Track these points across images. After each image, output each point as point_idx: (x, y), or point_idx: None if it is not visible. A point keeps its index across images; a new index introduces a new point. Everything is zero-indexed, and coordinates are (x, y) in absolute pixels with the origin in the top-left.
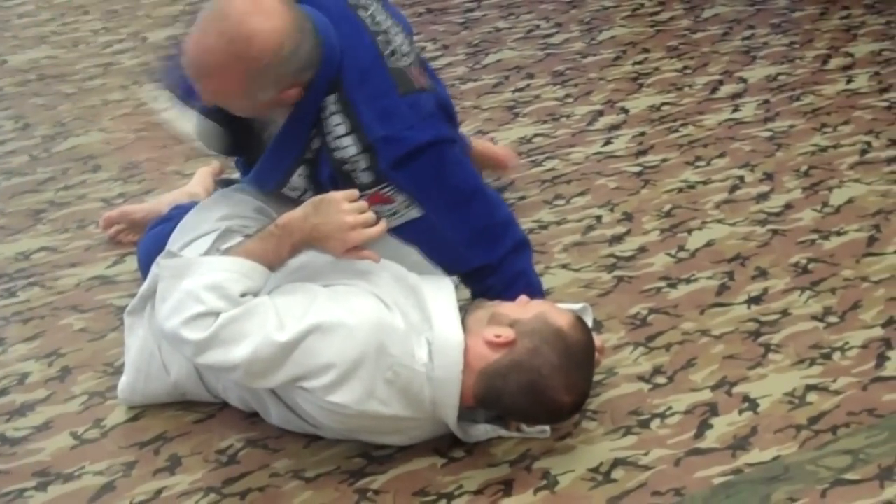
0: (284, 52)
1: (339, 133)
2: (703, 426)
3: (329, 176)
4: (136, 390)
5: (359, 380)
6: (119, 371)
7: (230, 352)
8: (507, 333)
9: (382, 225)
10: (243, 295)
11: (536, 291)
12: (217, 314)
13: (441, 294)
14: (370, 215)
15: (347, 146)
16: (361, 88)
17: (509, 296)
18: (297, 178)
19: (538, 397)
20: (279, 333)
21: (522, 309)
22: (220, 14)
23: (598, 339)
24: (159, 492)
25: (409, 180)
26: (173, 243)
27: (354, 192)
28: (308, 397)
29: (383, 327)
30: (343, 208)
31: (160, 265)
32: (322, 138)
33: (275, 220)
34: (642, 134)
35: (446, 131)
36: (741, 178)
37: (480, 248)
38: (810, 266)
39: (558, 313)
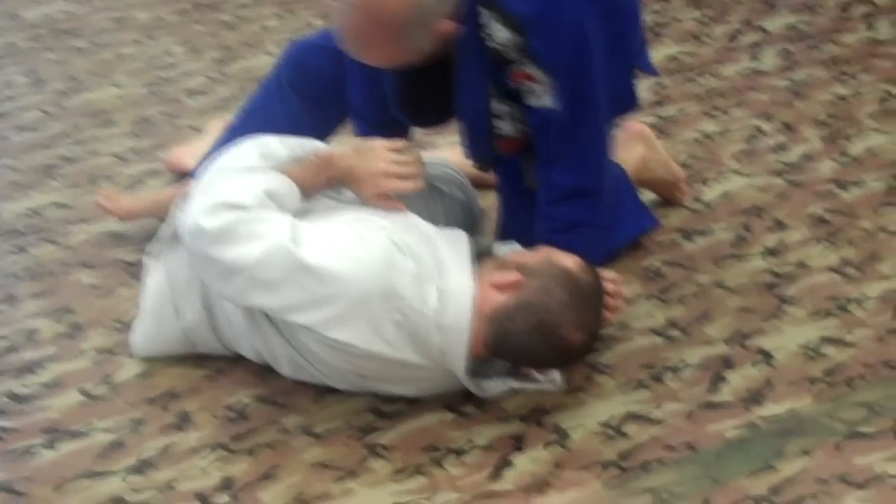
0: (415, 2)
1: (490, 26)
2: (717, 379)
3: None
4: (148, 334)
5: (364, 318)
6: (128, 327)
7: (241, 248)
8: (514, 275)
9: (418, 184)
10: (268, 193)
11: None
12: (237, 207)
13: (455, 245)
14: (408, 168)
15: (497, 31)
16: None
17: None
18: (496, 104)
19: (547, 336)
20: (293, 245)
21: (529, 254)
22: None
23: (612, 281)
24: (168, 448)
25: (547, 56)
26: None
27: (400, 143)
28: (314, 336)
29: (394, 268)
30: (381, 156)
31: (191, 188)
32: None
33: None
34: (660, 84)
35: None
36: (759, 129)
37: (560, 168)
38: (828, 217)
39: (565, 255)
